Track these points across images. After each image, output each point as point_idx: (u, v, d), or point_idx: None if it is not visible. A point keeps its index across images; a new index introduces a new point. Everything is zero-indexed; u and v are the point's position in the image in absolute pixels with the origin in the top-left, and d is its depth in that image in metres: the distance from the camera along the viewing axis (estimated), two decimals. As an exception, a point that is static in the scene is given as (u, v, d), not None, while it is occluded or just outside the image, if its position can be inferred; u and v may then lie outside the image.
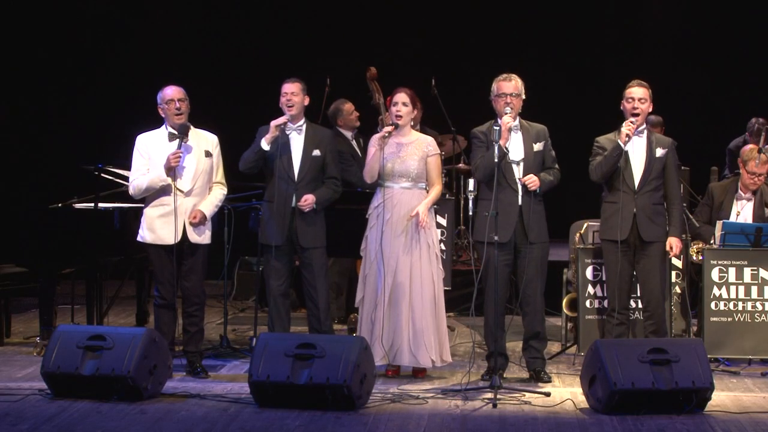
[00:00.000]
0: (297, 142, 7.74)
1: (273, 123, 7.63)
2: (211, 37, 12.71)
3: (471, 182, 7.47)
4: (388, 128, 7.58)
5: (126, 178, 8.55)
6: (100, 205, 8.44)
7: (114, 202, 8.60)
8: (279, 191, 7.66)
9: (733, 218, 8.38)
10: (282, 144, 7.66)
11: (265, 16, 12.92)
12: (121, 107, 12.07)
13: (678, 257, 8.11)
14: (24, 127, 12.71)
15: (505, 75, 7.54)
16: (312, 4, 12.85)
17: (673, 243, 7.64)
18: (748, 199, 8.45)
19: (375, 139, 7.67)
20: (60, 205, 8.64)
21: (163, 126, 7.60)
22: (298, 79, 7.73)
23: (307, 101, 7.79)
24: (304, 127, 7.77)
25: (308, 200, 7.64)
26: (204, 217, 7.53)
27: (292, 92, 7.67)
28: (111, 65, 12.67)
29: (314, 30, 12.73)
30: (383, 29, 12.52)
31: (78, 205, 8.61)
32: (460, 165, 10.80)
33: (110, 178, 8.66)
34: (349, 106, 9.56)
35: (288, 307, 7.86)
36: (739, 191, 8.48)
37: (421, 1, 12.78)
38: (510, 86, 7.49)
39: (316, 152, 7.74)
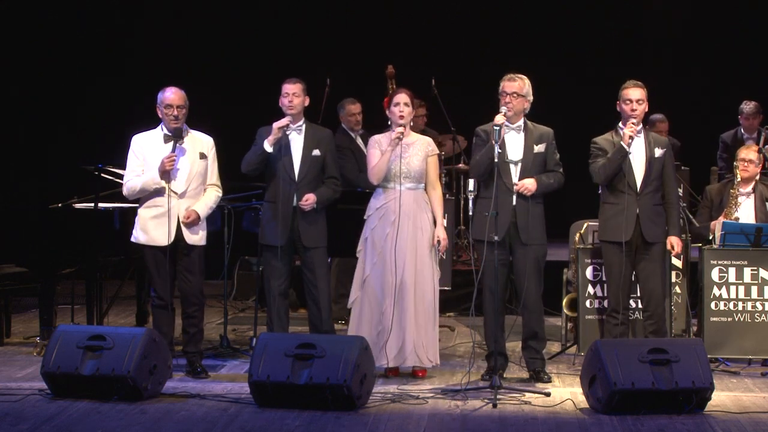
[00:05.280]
0: (297, 143, 7.73)
1: (276, 125, 7.61)
2: (210, 37, 12.70)
3: (471, 182, 7.48)
4: (400, 130, 7.53)
5: (126, 179, 8.58)
6: (100, 205, 8.44)
7: (114, 202, 8.59)
8: (280, 192, 7.65)
9: (734, 212, 8.35)
10: (282, 144, 7.65)
11: (264, 16, 12.92)
12: (121, 107, 12.08)
13: (678, 257, 8.12)
14: (24, 127, 12.71)
15: (510, 75, 7.51)
16: (312, 4, 12.85)
17: (674, 242, 7.66)
18: (747, 195, 8.44)
19: (376, 140, 7.66)
20: (60, 205, 8.64)
21: (160, 126, 7.58)
22: (299, 80, 7.71)
23: (307, 102, 7.78)
24: (304, 127, 7.77)
25: (309, 199, 7.64)
26: (198, 218, 7.50)
27: (294, 93, 7.66)
28: (111, 65, 12.66)
29: (313, 30, 12.73)
30: (383, 29, 12.51)
31: (78, 205, 8.61)
32: (460, 165, 10.80)
33: (110, 178, 8.65)
34: (354, 107, 9.50)
35: (287, 307, 7.87)
36: (737, 187, 8.44)
37: (421, 1, 12.78)
38: (511, 86, 7.46)
39: (316, 152, 7.74)
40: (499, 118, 7.38)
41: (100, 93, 12.50)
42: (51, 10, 12.71)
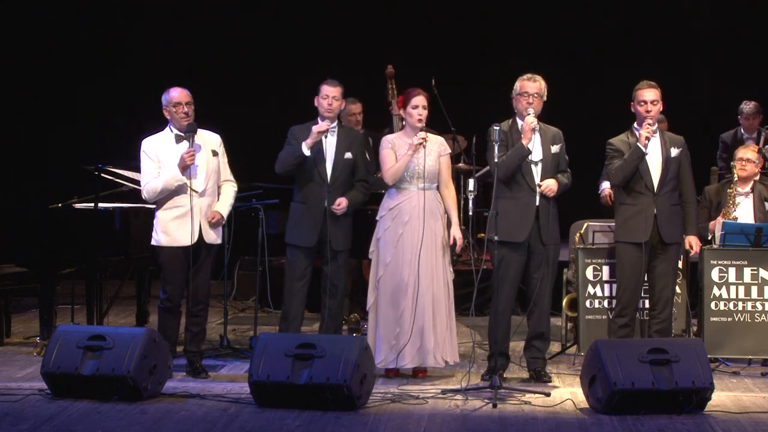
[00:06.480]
0: (330, 145, 7.68)
1: (315, 129, 7.56)
2: (210, 37, 12.71)
3: (471, 182, 7.44)
4: (423, 135, 7.47)
5: (126, 179, 8.58)
6: (100, 205, 8.44)
7: (114, 202, 8.60)
8: (312, 193, 7.64)
9: (732, 212, 8.35)
10: (315, 147, 7.62)
11: (264, 16, 12.92)
12: (121, 107, 12.09)
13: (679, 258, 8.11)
14: (24, 127, 12.71)
15: (529, 75, 7.49)
16: (312, 4, 12.85)
17: (693, 241, 7.69)
18: (746, 195, 8.43)
19: (389, 140, 7.60)
20: (60, 205, 8.64)
21: (167, 128, 7.55)
22: (339, 83, 7.66)
23: (343, 105, 7.78)
24: (336, 129, 7.73)
25: (342, 204, 7.60)
26: (221, 218, 7.52)
27: (334, 96, 7.61)
28: (111, 65, 12.67)
29: (313, 30, 12.73)
30: (383, 29, 12.51)
31: (78, 205, 8.61)
32: (461, 165, 10.79)
33: (110, 178, 8.66)
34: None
35: (303, 309, 7.86)
36: (734, 186, 8.44)
37: (421, 1, 12.78)
38: (534, 87, 7.44)
39: (348, 155, 7.70)
40: (531, 120, 7.36)
41: (100, 93, 12.51)
42: (51, 10, 12.71)
